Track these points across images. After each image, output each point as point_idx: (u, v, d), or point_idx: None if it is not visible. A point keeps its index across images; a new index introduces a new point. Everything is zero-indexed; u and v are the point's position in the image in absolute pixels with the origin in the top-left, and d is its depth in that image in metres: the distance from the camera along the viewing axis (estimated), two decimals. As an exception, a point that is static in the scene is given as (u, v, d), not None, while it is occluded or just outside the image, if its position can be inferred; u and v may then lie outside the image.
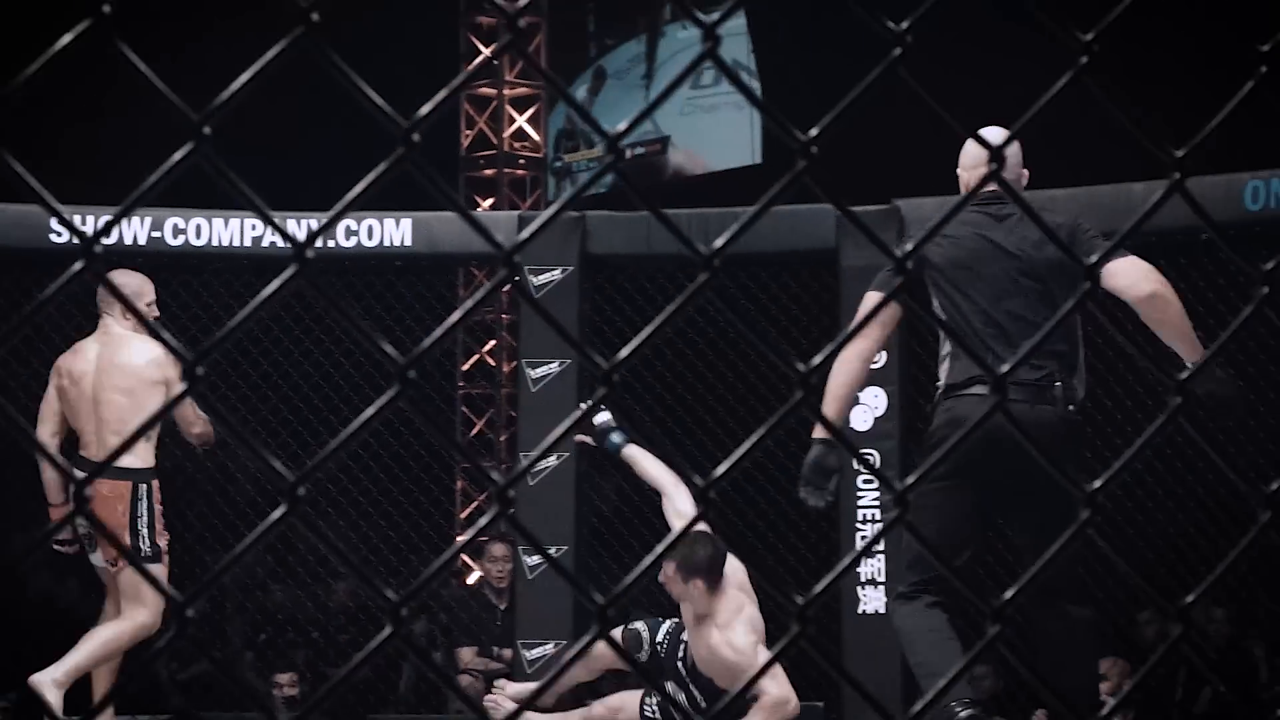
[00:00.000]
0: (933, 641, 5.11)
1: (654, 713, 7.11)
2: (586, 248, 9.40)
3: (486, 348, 12.14)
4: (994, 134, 4.58)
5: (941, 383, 5.32)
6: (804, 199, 9.03)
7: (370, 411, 1.16)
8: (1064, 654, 5.08)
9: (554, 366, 9.21)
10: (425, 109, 1.15)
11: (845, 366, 5.24)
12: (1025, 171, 5.43)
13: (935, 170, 9.63)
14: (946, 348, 5.37)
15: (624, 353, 1.16)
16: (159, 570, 6.75)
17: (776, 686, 6.46)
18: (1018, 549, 5.54)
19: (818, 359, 1.18)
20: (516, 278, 1.09)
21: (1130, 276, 5.05)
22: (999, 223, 5.27)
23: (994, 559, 7.35)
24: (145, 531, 6.71)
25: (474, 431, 11.93)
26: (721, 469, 1.18)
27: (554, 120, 15.39)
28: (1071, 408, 5.09)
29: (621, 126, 1.30)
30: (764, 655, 6.57)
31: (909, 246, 1.23)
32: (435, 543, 9.89)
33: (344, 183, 1.37)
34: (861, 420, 9.04)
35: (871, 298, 5.28)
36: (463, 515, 11.85)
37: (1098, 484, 1.19)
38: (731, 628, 6.59)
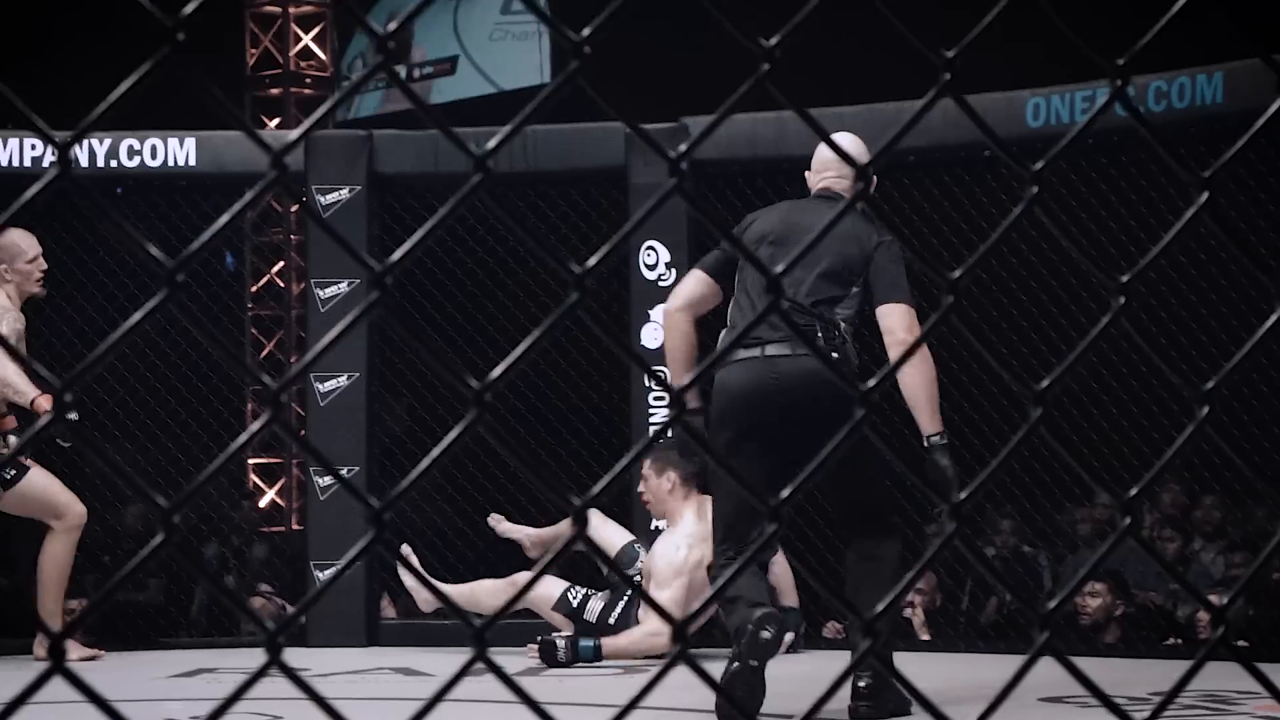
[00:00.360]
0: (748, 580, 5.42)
1: (574, 602, 7.51)
2: (374, 167, 9.33)
3: (275, 269, 12.02)
4: (848, 141, 5.41)
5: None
6: (591, 116, 9.07)
7: (137, 317, 1.15)
8: (868, 582, 5.49)
9: (343, 286, 9.15)
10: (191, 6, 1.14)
11: (675, 334, 5.86)
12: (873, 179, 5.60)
13: (724, 89, 9.70)
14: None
15: (396, 255, 1.16)
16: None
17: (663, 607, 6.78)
18: (822, 491, 5.88)
19: (593, 260, 1.20)
20: (278, 173, 1.09)
21: (901, 323, 5.43)
22: (815, 209, 5.65)
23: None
24: None
25: (264, 353, 11.82)
26: (499, 370, 1.19)
27: (357, 43, 15.19)
28: (835, 355, 5.44)
29: (391, 26, 1.30)
30: (680, 573, 7.25)
31: (682, 148, 1.24)
32: (227, 465, 9.78)
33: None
34: (653, 339, 9.09)
35: (695, 274, 5.90)
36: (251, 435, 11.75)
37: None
38: (675, 533, 7.69)
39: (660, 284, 9.13)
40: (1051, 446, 1.41)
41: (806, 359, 5.33)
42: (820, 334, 5.48)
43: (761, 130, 8.86)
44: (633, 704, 1.20)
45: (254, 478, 11.61)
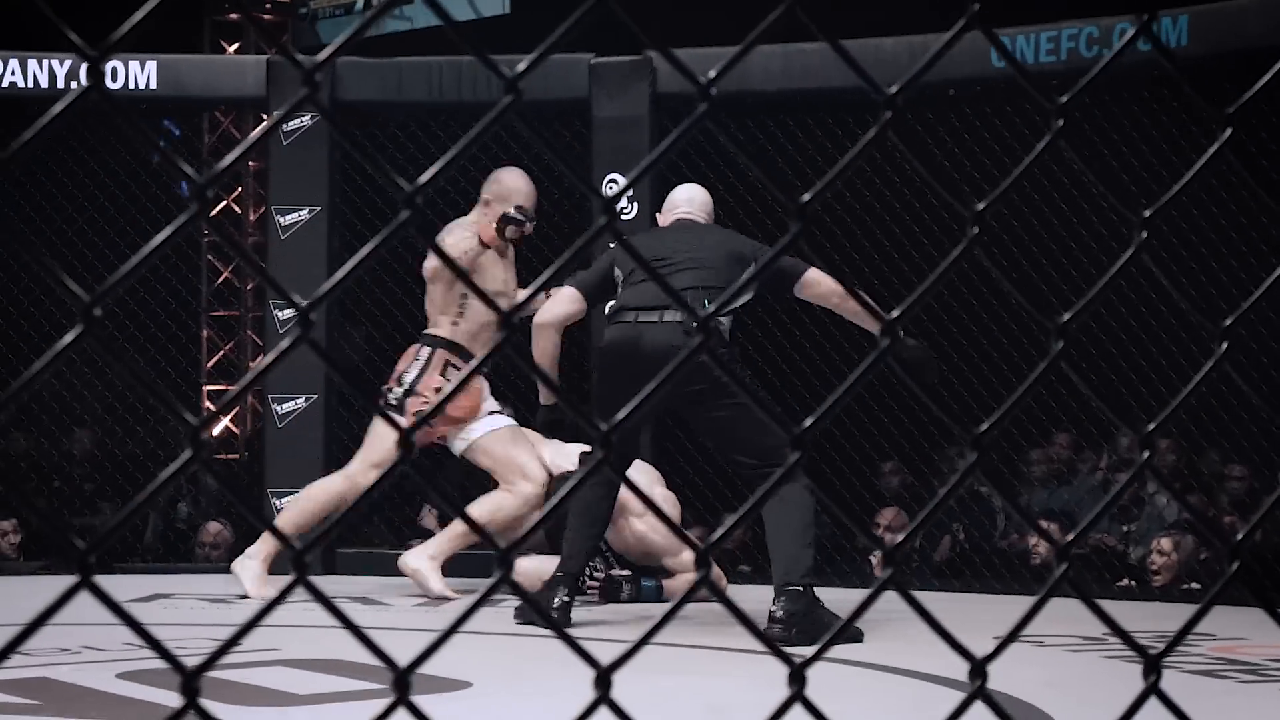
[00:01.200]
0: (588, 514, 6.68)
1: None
2: (337, 94, 9.27)
3: (233, 195, 11.94)
4: (693, 191, 7.11)
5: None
6: (556, 48, 9.02)
7: (167, 232, 1.14)
8: (777, 522, 6.27)
9: (304, 213, 9.11)
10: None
11: (544, 345, 6.75)
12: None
13: (691, 22, 9.68)
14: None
15: (425, 176, 1.15)
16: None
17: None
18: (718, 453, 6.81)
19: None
20: (310, 90, 1.08)
21: (824, 285, 6.65)
22: (690, 230, 6.89)
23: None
24: None
25: (220, 279, 11.75)
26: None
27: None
28: (687, 334, 6.10)
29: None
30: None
31: (712, 74, 1.23)
32: (183, 390, 9.76)
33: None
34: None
35: (569, 293, 6.87)
36: (209, 364, 11.70)
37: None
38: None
39: (623, 218, 9.11)
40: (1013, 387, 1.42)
41: (662, 332, 6.38)
42: (680, 314, 6.24)
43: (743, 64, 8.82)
44: (659, 626, 1.20)
45: (208, 405, 11.55)
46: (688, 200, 7.10)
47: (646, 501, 1.33)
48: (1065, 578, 1.33)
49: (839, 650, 5.47)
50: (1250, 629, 6.42)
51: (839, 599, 6.59)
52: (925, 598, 5.76)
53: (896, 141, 1.20)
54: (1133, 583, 8.46)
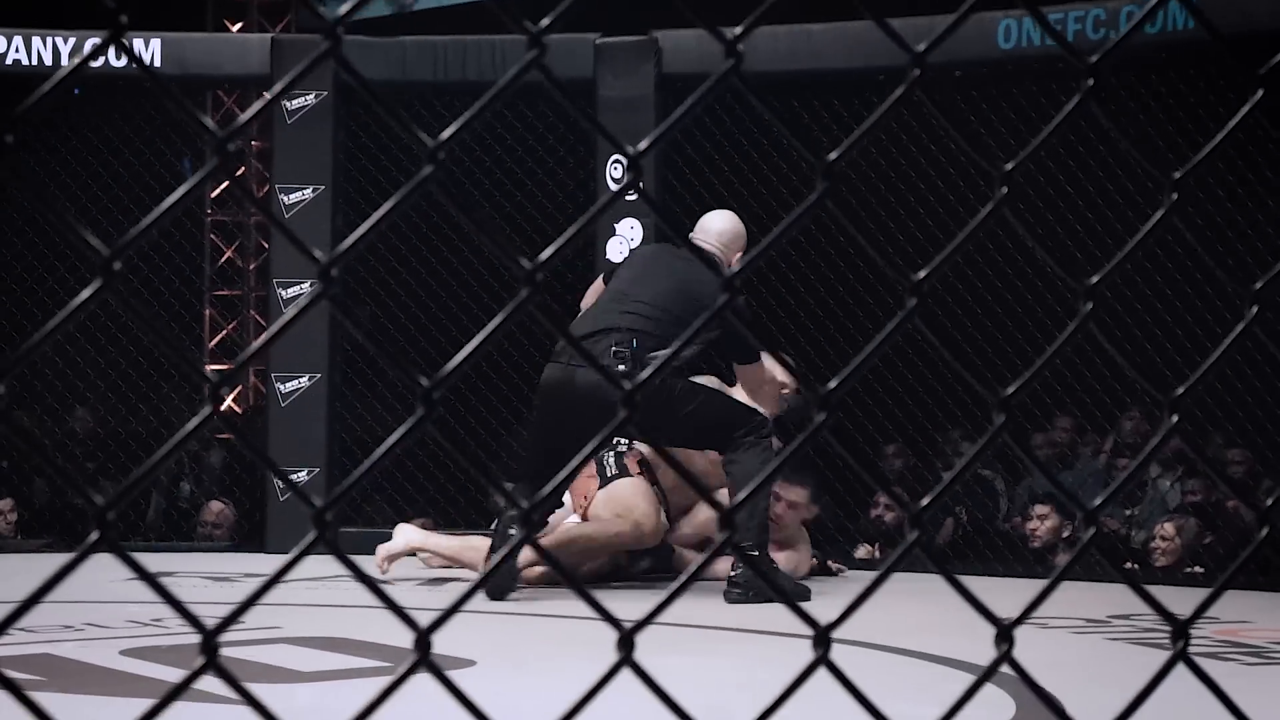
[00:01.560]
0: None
1: None
2: (340, 73, 9.24)
3: (237, 174, 11.90)
4: (720, 219, 7.38)
5: None
6: (561, 28, 9.00)
7: (180, 193, 1.13)
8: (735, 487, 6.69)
9: (308, 192, 9.08)
10: None
11: None
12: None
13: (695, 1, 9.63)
14: None
15: (448, 131, 1.14)
16: None
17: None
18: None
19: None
20: (332, 44, 1.06)
21: (754, 376, 7.22)
22: (678, 253, 7.14)
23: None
24: None
25: (223, 259, 11.73)
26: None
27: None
28: (622, 368, 6.66)
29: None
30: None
31: (739, 30, 1.22)
32: (184, 370, 9.74)
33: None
34: (618, 252, 9.06)
35: (598, 284, 7.40)
36: (211, 344, 11.68)
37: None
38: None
39: (627, 198, 9.09)
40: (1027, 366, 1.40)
41: (590, 376, 6.62)
42: (619, 353, 6.78)
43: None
44: (680, 589, 1.18)
45: (224, 400, 11.53)
46: (701, 227, 7.41)
47: (673, 463, 1.31)
48: (1092, 545, 1.32)
49: (846, 631, 5.45)
50: (1255, 612, 6.42)
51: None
52: (928, 580, 5.73)
53: (924, 99, 1.19)
54: (1135, 565, 8.44)
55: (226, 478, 9.98)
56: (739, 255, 7.31)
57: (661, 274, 7.03)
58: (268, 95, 1.13)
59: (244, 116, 1.13)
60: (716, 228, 7.35)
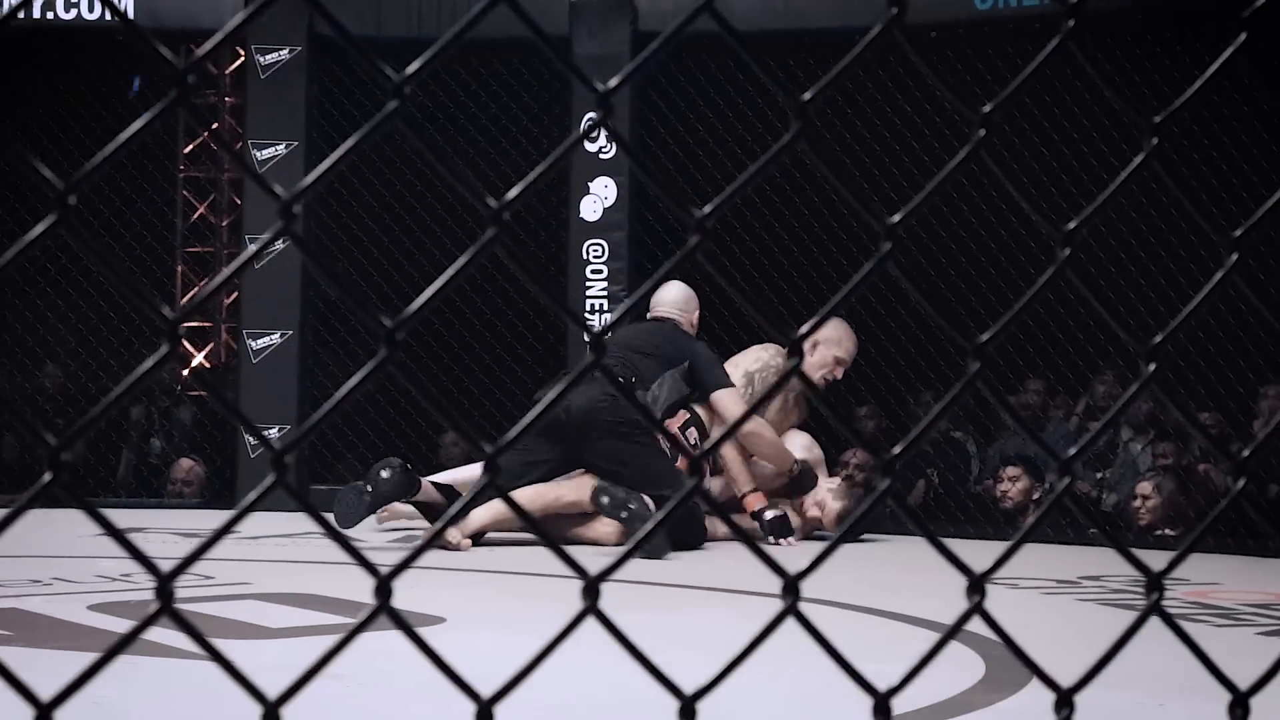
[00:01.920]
0: None
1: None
2: (314, 29, 9.18)
3: (209, 130, 11.82)
4: (671, 289, 7.97)
5: None
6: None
7: (138, 125, 1.10)
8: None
9: (280, 148, 9.03)
10: None
11: None
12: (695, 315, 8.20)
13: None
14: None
15: (414, 61, 1.11)
16: None
17: None
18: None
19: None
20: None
21: (731, 408, 7.65)
22: (652, 328, 7.97)
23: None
24: None
25: (196, 215, 11.66)
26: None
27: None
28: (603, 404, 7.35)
29: None
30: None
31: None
32: (156, 325, 9.67)
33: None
34: (591, 211, 9.03)
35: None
36: (183, 300, 11.62)
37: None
38: None
39: (601, 156, 9.06)
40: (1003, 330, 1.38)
41: (592, 386, 7.22)
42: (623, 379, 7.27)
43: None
44: (648, 536, 1.16)
45: (184, 343, 11.48)
46: (657, 300, 8.06)
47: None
48: (1066, 494, 1.30)
49: (813, 589, 5.44)
50: (1224, 574, 6.44)
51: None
52: (900, 541, 5.71)
53: (901, 39, 1.16)
54: (1106, 529, 8.45)
55: (197, 434, 9.94)
56: (695, 314, 8.11)
57: (642, 333, 7.86)
58: (234, 22, 1.10)
59: (205, 47, 1.10)
60: (670, 296, 8.04)
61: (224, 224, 11.65)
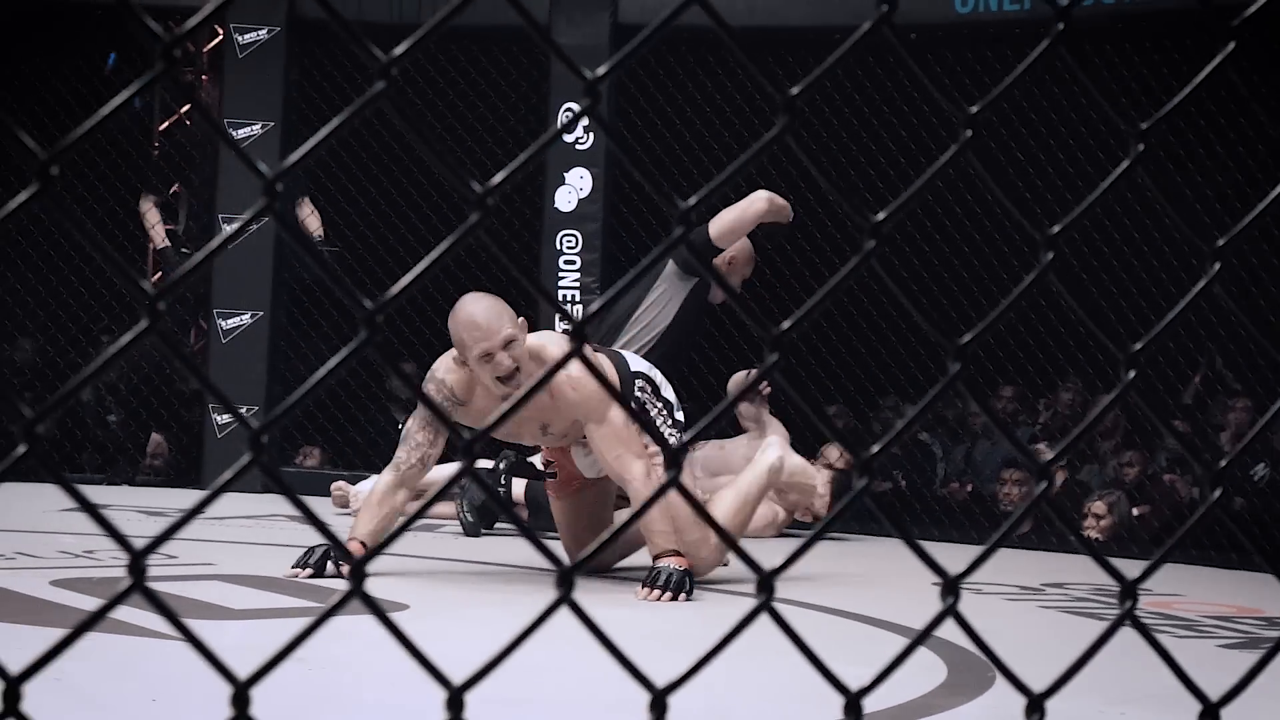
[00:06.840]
0: None
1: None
2: (294, 10, 9.15)
3: (185, 108, 11.79)
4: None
5: None
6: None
7: (123, 95, 1.10)
8: None
9: (256, 128, 9.00)
10: None
11: None
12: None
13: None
14: None
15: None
16: None
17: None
18: None
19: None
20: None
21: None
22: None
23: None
24: None
25: (171, 190, 11.61)
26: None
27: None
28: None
29: None
30: None
31: None
32: (128, 302, 9.66)
33: None
34: (566, 201, 9.02)
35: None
36: (155, 277, 11.57)
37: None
38: None
39: (577, 147, 9.05)
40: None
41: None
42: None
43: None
44: (625, 526, 1.16)
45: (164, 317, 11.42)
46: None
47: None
48: (1044, 497, 1.30)
49: (784, 590, 5.44)
50: (1186, 585, 6.45)
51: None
52: (865, 543, 5.70)
53: (891, 37, 1.16)
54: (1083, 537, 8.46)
55: (164, 412, 9.90)
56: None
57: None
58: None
59: (191, 22, 1.09)
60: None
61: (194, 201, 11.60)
